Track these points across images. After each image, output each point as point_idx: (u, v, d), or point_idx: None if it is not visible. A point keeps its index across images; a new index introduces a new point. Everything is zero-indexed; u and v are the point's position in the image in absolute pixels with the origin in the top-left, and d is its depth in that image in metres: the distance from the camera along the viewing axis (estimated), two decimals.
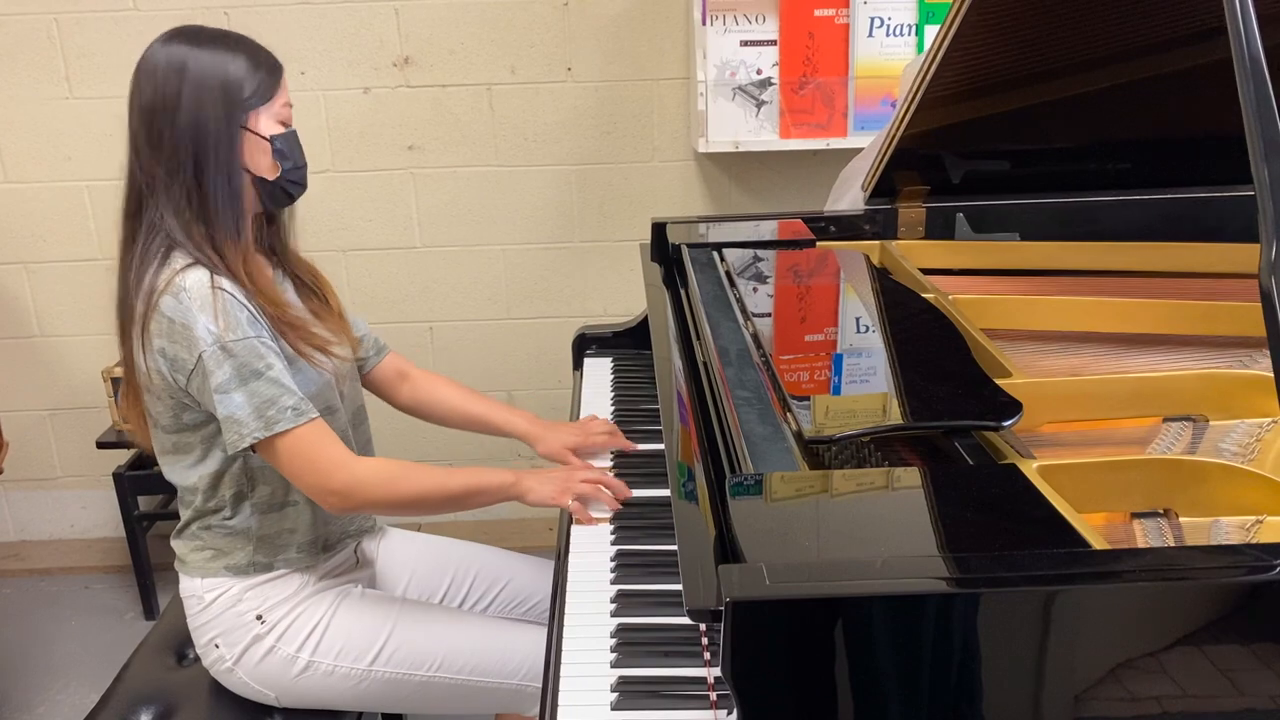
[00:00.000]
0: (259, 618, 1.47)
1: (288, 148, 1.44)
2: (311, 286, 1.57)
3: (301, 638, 1.47)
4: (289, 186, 1.47)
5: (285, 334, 1.42)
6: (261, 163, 1.42)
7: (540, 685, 1.38)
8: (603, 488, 1.46)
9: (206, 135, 1.36)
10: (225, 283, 1.36)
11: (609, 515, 1.44)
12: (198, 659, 1.63)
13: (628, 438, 1.65)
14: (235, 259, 1.39)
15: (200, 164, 1.37)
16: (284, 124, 1.44)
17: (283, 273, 1.55)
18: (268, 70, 1.42)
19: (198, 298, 1.34)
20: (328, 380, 1.48)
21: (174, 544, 1.54)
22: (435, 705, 1.53)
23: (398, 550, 1.72)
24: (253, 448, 1.37)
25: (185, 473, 1.47)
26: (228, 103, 1.37)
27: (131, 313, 1.39)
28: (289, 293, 1.53)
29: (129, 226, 1.43)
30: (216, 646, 1.49)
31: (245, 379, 1.34)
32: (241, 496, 1.47)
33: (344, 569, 1.61)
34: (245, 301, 1.37)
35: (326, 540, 1.55)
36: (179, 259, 1.37)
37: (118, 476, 2.54)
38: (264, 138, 1.41)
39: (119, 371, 2.47)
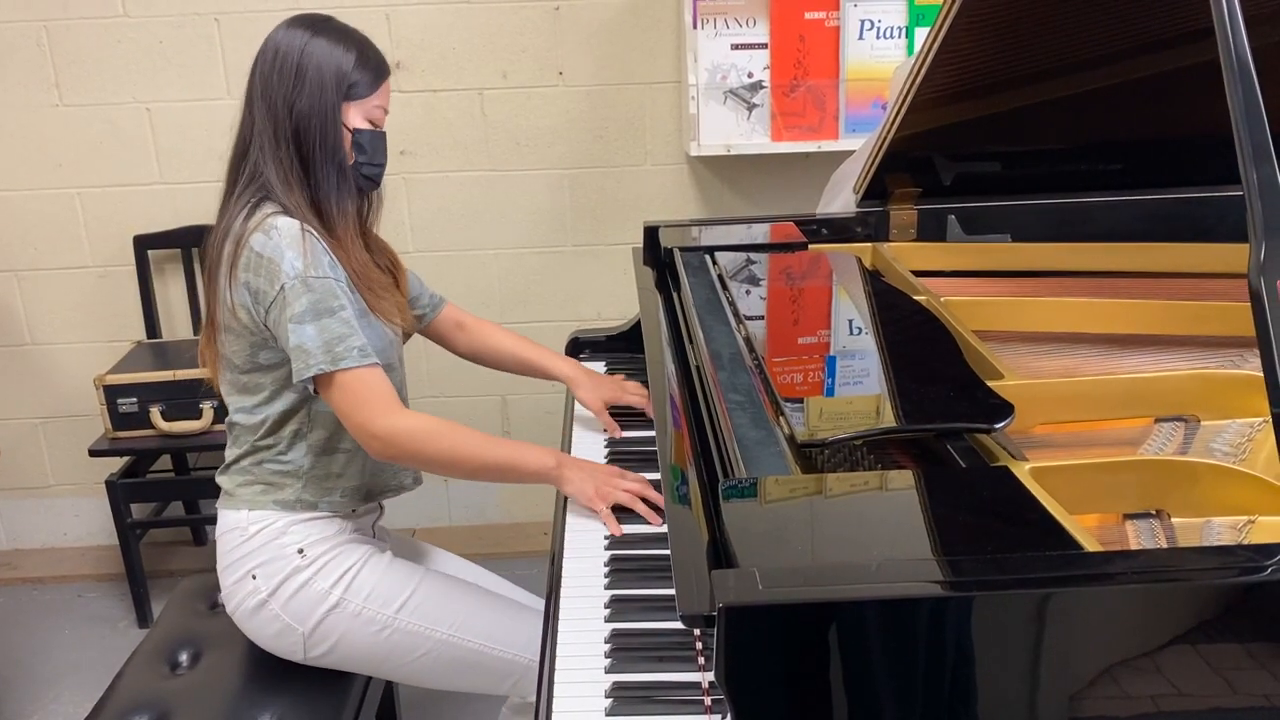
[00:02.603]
0: (300, 551, 1.53)
1: (368, 143, 1.54)
2: (386, 268, 1.65)
3: (336, 575, 1.53)
4: (360, 181, 1.56)
5: (362, 291, 1.52)
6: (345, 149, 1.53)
7: None
8: (642, 501, 1.44)
9: (313, 115, 1.48)
10: (311, 231, 1.47)
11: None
12: (192, 665, 1.63)
13: (621, 441, 1.67)
14: (337, 223, 1.50)
15: (303, 138, 1.48)
16: (373, 123, 1.54)
17: (364, 247, 1.61)
18: (374, 71, 1.52)
19: (287, 235, 1.44)
20: (391, 340, 1.58)
21: (220, 480, 1.60)
22: (450, 672, 1.57)
23: (402, 547, 1.76)
24: (314, 382, 1.45)
25: (250, 412, 1.55)
26: (337, 90, 1.49)
27: (220, 254, 1.49)
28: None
29: (232, 175, 1.54)
30: (253, 578, 1.53)
31: (319, 314, 1.43)
32: (299, 435, 1.54)
33: (365, 534, 1.66)
34: (328, 249, 1.47)
35: (369, 491, 1.62)
36: (269, 207, 1.48)
37: (110, 484, 2.53)
38: (348, 129, 1.51)
39: (111, 379, 2.48)
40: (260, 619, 1.54)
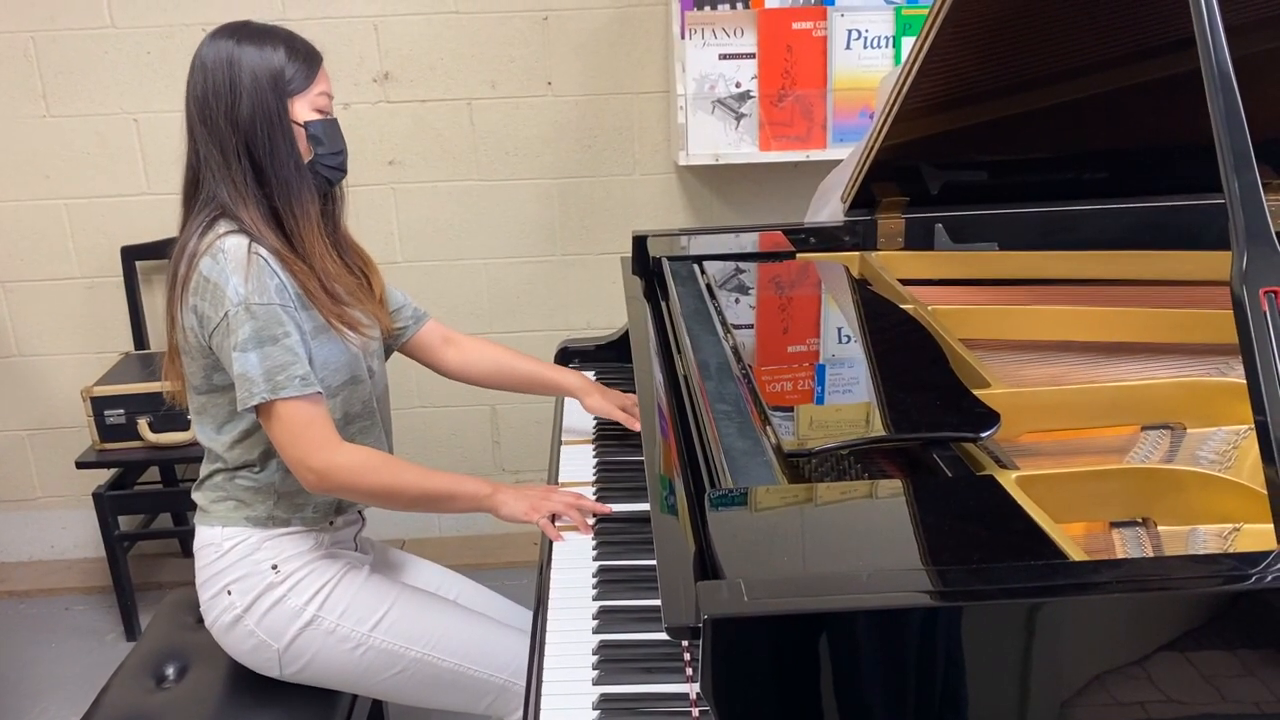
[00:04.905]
0: (274, 567, 1.52)
1: (323, 133, 1.51)
2: (356, 269, 1.62)
3: (311, 592, 1.52)
4: (325, 171, 1.53)
5: (322, 304, 1.48)
6: (299, 147, 1.50)
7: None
8: (576, 509, 1.48)
9: (257, 122, 1.44)
10: (262, 249, 1.44)
11: (591, 533, 1.44)
12: (179, 679, 1.62)
13: (610, 450, 1.66)
14: (301, 228, 1.47)
15: (254, 149, 1.45)
16: (321, 111, 1.51)
17: (333, 250, 1.58)
18: (305, 60, 1.49)
19: (234, 259, 1.42)
20: (355, 354, 1.55)
21: (195, 495, 1.59)
22: (426, 690, 1.56)
23: (384, 560, 1.75)
24: (256, 411, 1.43)
25: (214, 433, 1.54)
26: (275, 90, 1.45)
27: (175, 275, 1.47)
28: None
29: (187, 205, 1.51)
30: (228, 593, 1.52)
31: (262, 341, 1.40)
32: (270, 455, 1.52)
33: (346, 546, 1.64)
34: (278, 270, 1.45)
35: (341, 503, 1.60)
36: (222, 226, 1.45)
37: (98, 496, 2.51)
38: (298, 124, 1.48)
39: (98, 391, 2.47)
40: (236, 634, 1.53)
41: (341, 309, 1.51)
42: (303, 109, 1.49)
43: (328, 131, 1.52)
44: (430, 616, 1.56)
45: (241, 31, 1.47)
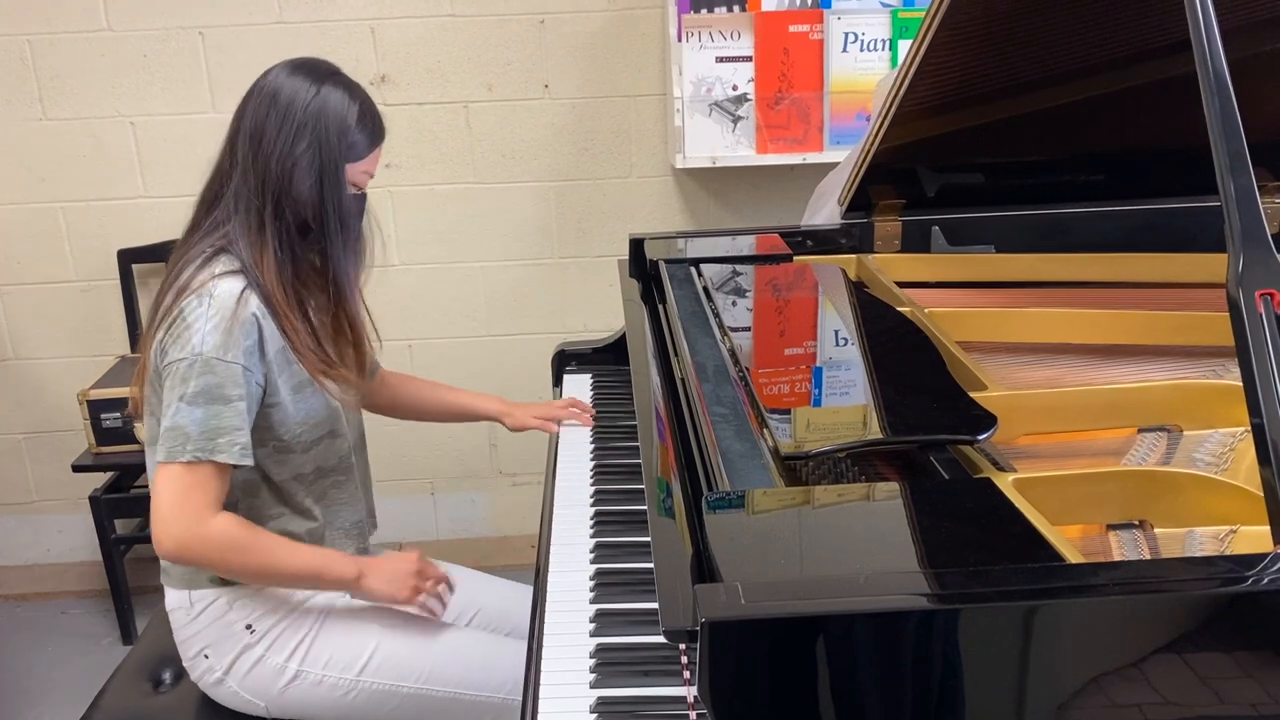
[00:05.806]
0: (249, 627, 1.47)
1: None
2: (348, 338, 1.54)
3: (290, 647, 1.48)
4: None
5: (309, 361, 1.44)
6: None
7: None
8: (441, 589, 1.53)
9: (325, 174, 1.40)
10: (254, 300, 1.38)
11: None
12: (175, 683, 1.62)
13: (607, 453, 1.66)
14: (342, 284, 1.45)
15: (295, 192, 1.39)
16: (356, 186, 1.46)
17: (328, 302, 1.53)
18: (370, 135, 1.44)
19: (218, 307, 1.36)
20: (335, 408, 1.52)
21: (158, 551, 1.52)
22: (425, 718, 1.53)
23: None
24: (164, 464, 1.35)
25: None
26: (340, 146, 1.40)
27: (163, 299, 1.42)
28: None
29: (200, 212, 1.46)
30: (206, 657, 1.49)
31: (213, 399, 1.35)
32: (231, 506, 1.44)
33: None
34: (263, 324, 1.39)
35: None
36: (221, 264, 1.40)
37: (94, 500, 2.51)
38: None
39: (94, 394, 2.46)
40: (222, 694, 1.50)
41: (329, 367, 1.46)
42: (348, 175, 1.44)
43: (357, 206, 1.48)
44: (419, 648, 1.52)
45: (329, 77, 1.42)
